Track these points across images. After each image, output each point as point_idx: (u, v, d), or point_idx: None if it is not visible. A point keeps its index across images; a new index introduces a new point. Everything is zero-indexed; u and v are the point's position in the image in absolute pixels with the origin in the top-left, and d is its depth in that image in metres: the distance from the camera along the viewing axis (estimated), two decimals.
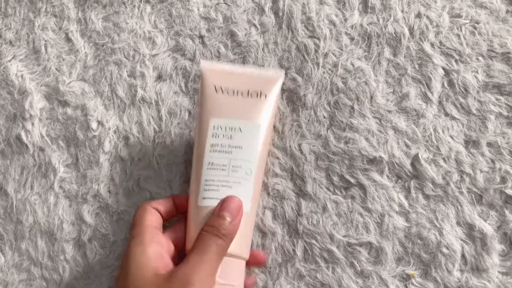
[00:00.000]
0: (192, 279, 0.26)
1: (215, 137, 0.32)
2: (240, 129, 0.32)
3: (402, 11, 0.37)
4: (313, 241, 0.35)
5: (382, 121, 0.36)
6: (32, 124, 0.39)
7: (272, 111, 0.34)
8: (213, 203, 0.31)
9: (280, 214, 0.36)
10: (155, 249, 0.29)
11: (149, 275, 0.27)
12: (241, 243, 0.31)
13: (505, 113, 0.35)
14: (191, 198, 0.32)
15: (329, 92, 0.37)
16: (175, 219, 0.34)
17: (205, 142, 0.32)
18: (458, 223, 0.34)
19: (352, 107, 0.36)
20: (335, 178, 0.36)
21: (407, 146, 0.35)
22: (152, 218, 0.31)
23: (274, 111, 0.34)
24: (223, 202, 0.30)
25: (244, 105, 0.33)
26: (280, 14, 0.38)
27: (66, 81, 0.39)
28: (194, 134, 0.35)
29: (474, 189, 0.34)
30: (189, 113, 0.38)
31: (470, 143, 0.35)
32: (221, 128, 0.32)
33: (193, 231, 0.31)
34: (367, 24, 0.37)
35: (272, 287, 0.35)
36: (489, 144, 0.35)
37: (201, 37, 0.39)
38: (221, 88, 0.33)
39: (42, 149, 0.39)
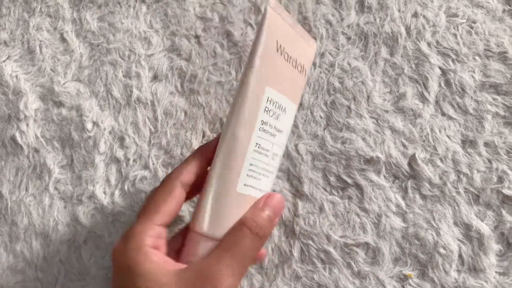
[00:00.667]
0: (222, 273, 0.23)
1: (267, 113, 0.26)
2: (285, 109, 0.27)
3: (399, 11, 0.37)
4: (310, 242, 0.35)
5: (379, 121, 0.36)
6: (27, 125, 0.38)
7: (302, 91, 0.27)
8: (253, 192, 0.26)
9: None
10: (159, 255, 0.25)
11: (163, 273, 0.23)
12: None
13: (502, 113, 0.35)
14: (224, 181, 0.26)
15: (325, 92, 0.37)
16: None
17: (256, 116, 0.26)
18: (455, 223, 0.34)
19: (349, 107, 0.36)
20: (332, 179, 0.36)
21: (404, 146, 0.35)
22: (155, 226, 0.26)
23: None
24: (268, 198, 0.26)
25: (291, 79, 0.27)
26: None
27: (61, 82, 0.39)
28: (237, 104, 0.26)
29: (471, 189, 0.34)
30: (185, 113, 0.38)
31: (467, 143, 0.35)
32: (273, 103, 0.26)
33: (227, 219, 0.26)
34: (364, 24, 0.37)
35: None
36: (486, 144, 0.35)
37: (197, 37, 0.39)
38: (282, 48, 0.26)
39: (37, 150, 0.38)
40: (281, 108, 0.26)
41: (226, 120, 0.27)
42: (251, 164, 0.26)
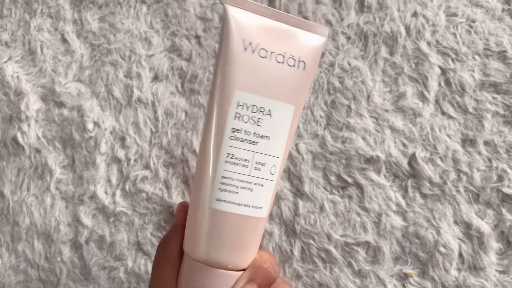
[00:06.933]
0: None
1: (239, 119, 0.24)
2: (270, 112, 0.24)
3: (399, 10, 0.37)
4: (311, 241, 0.35)
5: (379, 121, 0.36)
6: (28, 125, 0.39)
7: (308, 89, 0.25)
8: (229, 208, 0.24)
9: (277, 214, 0.36)
10: None
11: None
12: (245, 252, 0.26)
13: (502, 112, 0.35)
14: (198, 197, 0.25)
15: (325, 92, 0.37)
16: None
17: (224, 124, 0.24)
18: (455, 222, 0.34)
19: (349, 107, 0.36)
20: (332, 178, 0.36)
21: (404, 145, 0.35)
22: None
23: (310, 88, 0.25)
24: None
25: (278, 77, 0.24)
26: None
27: (62, 82, 0.39)
28: (207, 111, 0.26)
29: (471, 188, 0.34)
30: (186, 113, 0.38)
31: (467, 142, 0.35)
32: (248, 108, 0.24)
33: (203, 237, 0.25)
34: (364, 23, 0.37)
35: None
36: (486, 143, 0.35)
37: (197, 37, 0.39)
38: (251, 45, 0.24)
39: (38, 151, 0.38)
40: (263, 112, 0.24)
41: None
42: (223, 177, 0.24)
